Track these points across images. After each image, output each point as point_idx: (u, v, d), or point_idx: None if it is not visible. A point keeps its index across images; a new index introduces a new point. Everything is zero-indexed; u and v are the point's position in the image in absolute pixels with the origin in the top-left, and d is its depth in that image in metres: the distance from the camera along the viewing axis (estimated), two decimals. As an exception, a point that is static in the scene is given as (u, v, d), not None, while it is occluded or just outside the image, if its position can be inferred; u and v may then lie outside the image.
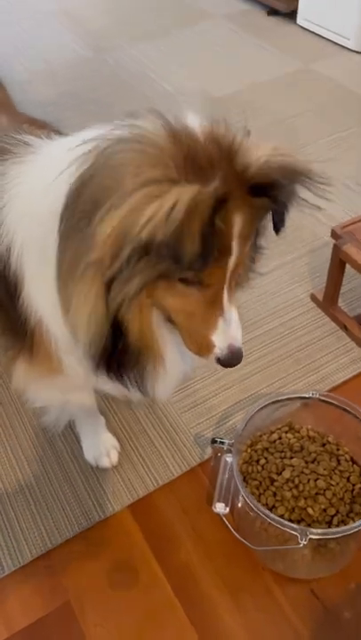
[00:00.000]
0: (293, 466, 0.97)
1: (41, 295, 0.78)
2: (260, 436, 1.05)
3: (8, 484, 1.15)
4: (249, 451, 1.03)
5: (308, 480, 0.95)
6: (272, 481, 0.97)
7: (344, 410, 1.01)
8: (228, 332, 0.72)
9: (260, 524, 0.94)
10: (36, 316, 0.82)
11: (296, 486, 0.95)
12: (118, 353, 0.74)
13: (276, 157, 0.66)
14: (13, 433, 1.23)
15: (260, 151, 0.65)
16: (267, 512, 0.88)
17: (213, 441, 1.03)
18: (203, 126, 0.66)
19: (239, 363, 0.74)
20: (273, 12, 2.75)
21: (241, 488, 0.91)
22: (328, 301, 1.41)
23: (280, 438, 1.04)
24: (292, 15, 2.68)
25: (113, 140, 0.65)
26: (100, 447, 1.17)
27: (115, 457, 1.17)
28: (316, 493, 0.95)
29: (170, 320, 0.74)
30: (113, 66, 2.45)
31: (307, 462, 0.99)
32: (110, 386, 0.94)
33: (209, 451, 1.18)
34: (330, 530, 0.89)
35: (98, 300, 0.68)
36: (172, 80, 2.33)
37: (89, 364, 0.76)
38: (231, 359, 0.73)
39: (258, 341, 1.38)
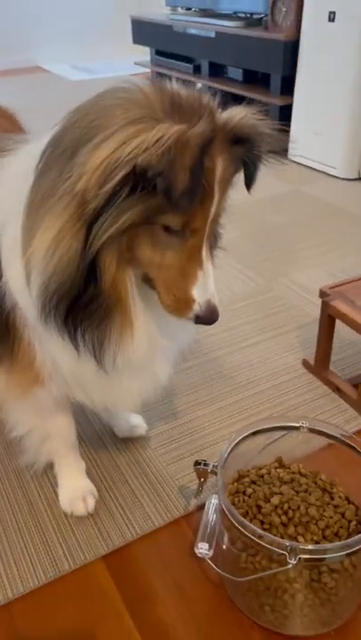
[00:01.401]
0: (283, 493, 0.90)
1: (15, 273, 0.76)
2: (248, 470, 0.98)
3: (-27, 533, 1.05)
4: (236, 484, 0.96)
5: (299, 506, 0.87)
6: (259, 508, 0.89)
7: (336, 439, 0.96)
8: (207, 287, 0.72)
9: (245, 556, 0.84)
10: (12, 302, 0.80)
11: (285, 512, 0.87)
12: (84, 303, 0.70)
13: (252, 117, 0.72)
14: (-13, 482, 1.15)
15: (237, 110, 0.72)
16: (253, 527, 0.79)
17: (197, 463, 0.96)
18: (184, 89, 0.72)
19: (216, 320, 0.74)
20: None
21: (222, 498, 0.83)
22: (320, 365, 1.40)
23: (269, 473, 0.97)
24: (284, 152, 3.02)
25: (101, 93, 0.70)
26: (77, 491, 1.09)
27: (91, 504, 1.08)
28: (308, 522, 0.86)
29: (147, 280, 0.74)
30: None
31: (297, 492, 0.91)
32: (89, 397, 0.92)
33: (194, 502, 1.10)
34: (322, 546, 0.79)
35: (70, 236, 0.66)
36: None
37: (40, 308, 0.71)
38: (210, 316, 0.72)
39: (249, 401, 1.35)
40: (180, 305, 0.73)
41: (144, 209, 0.65)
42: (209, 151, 0.65)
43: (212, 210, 0.70)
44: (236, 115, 0.71)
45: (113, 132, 0.63)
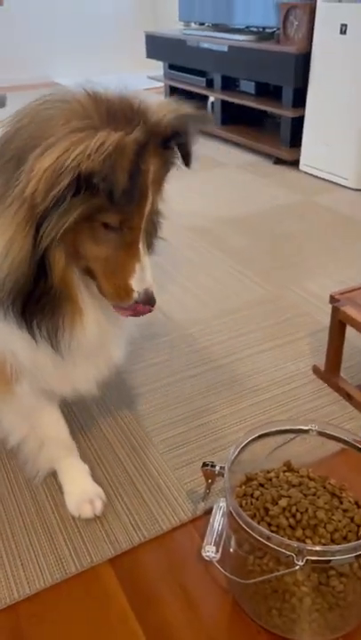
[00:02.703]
0: (291, 496, 0.89)
1: None
2: (256, 474, 0.97)
3: (-19, 534, 1.05)
4: (243, 487, 0.95)
5: (307, 509, 0.86)
6: (267, 510, 0.88)
7: (346, 442, 0.95)
8: (144, 277, 0.79)
9: (252, 559, 0.84)
10: None
11: (293, 515, 0.86)
12: (37, 296, 0.77)
13: (174, 111, 0.78)
14: (-5, 484, 1.15)
15: (161, 109, 0.78)
16: (260, 528, 0.79)
17: (204, 464, 0.95)
18: (114, 91, 0.77)
19: (153, 306, 0.81)
20: (278, 161, 3.11)
21: (230, 499, 0.83)
22: (330, 371, 1.39)
23: (277, 476, 0.96)
24: (295, 163, 3.03)
25: (40, 101, 0.75)
26: (84, 495, 1.09)
27: (99, 506, 1.08)
28: (316, 525, 0.85)
29: (87, 271, 0.81)
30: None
31: (306, 495, 0.90)
32: (51, 385, 0.97)
33: (202, 507, 1.09)
34: (330, 547, 0.78)
35: (21, 237, 0.72)
36: (186, 205, 2.58)
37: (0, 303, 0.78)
38: (148, 302, 0.80)
39: (259, 407, 1.35)
40: (120, 293, 0.81)
41: (87, 208, 0.71)
42: (144, 155, 0.72)
43: (147, 208, 0.77)
44: (164, 115, 0.77)
45: (56, 140, 0.69)
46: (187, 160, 0.83)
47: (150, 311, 0.82)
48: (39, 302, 0.78)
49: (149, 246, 0.92)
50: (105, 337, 0.93)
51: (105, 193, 0.68)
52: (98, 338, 0.90)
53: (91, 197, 0.70)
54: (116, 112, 0.73)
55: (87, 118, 0.71)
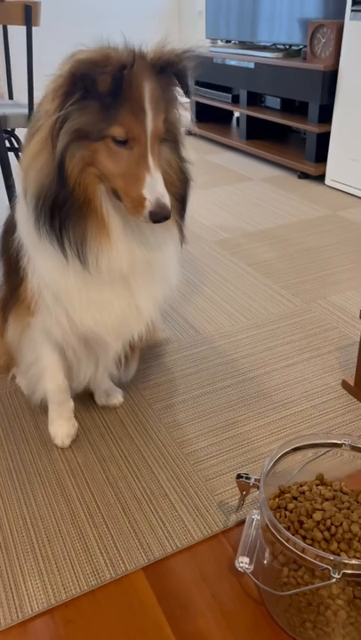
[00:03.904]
0: (325, 510, 0.90)
1: (20, 215, 1.01)
2: (289, 487, 0.99)
3: (19, 541, 1.08)
4: (277, 500, 0.96)
5: (342, 523, 0.87)
6: (301, 524, 0.89)
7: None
8: (155, 187, 0.88)
9: (287, 571, 0.85)
10: (20, 243, 1.05)
11: (328, 529, 0.87)
12: (62, 203, 0.91)
13: (169, 51, 0.91)
14: (31, 492, 1.18)
15: (159, 48, 0.91)
16: (296, 540, 0.80)
17: (239, 476, 0.97)
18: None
19: (167, 216, 0.90)
20: (303, 175, 3.13)
21: (265, 510, 0.84)
22: (360, 386, 1.40)
23: (310, 490, 0.97)
24: (320, 178, 3.05)
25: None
26: (59, 429, 1.29)
27: (67, 441, 1.28)
28: (350, 539, 0.86)
29: (115, 194, 0.92)
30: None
31: (340, 509, 0.91)
32: (72, 315, 1.08)
33: (233, 518, 1.11)
34: (366, 562, 0.79)
35: (46, 149, 0.88)
36: (213, 218, 2.62)
37: (33, 214, 0.93)
38: (161, 211, 0.89)
39: (288, 420, 1.36)
40: (135, 204, 0.90)
41: (89, 116, 0.85)
42: (133, 73, 0.85)
43: (149, 123, 0.87)
44: (158, 50, 0.90)
45: (62, 67, 0.86)
46: (184, 89, 0.94)
47: (166, 217, 0.91)
48: (63, 209, 0.91)
49: (178, 209, 1.05)
50: (133, 267, 1.03)
51: (93, 93, 0.82)
52: (126, 262, 1.01)
53: (90, 105, 0.84)
54: (119, 49, 0.88)
55: (92, 51, 0.86)
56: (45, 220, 0.93)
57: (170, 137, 0.98)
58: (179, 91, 0.95)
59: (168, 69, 0.90)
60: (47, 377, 1.26)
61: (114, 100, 0.84)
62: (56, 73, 0.86)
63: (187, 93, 0.95)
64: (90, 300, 1.06)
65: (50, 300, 1.08)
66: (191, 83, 0.94)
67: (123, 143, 0.87)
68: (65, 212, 0.92)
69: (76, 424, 1.32)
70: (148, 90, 0.87)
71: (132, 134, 0.87)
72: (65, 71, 0.84)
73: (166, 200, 0.90)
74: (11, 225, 1.11)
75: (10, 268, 1.15)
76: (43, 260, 1.02)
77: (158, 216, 0.89)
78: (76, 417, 1.34)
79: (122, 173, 0.89)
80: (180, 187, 1.03)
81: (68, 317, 1.08)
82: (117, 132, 0.86)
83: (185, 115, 0.99)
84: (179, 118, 0.98)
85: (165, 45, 0.91)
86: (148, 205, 0.89)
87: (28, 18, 2.05)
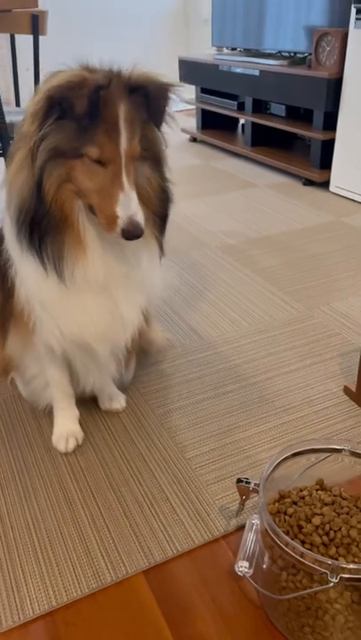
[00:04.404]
0: (324, 514, 0.90)
1: (6, 226, 1.04)
2: (289, 491, 0.99)
3: (21, 542, 1.09)
4: (277, 504, 0.97)
5: (340, 528, 0.88)
6: (300, 528, 0.90)
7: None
8: (128, 206, 0.91)
9: (286, 575, 0.85)
10: (8, 255, 1.08)
11: (326, 533, 0.88)
12: (40, 219, 0.94)
13: (145, 73, 0.93)
14: (34, 495, 1.19)
15: (136, 71, 0.93)
16: (295, 544, 0.81)
17: (239, 480, 0.98)
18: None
19: (139, 234, 0.92)
20: (308, 182, 3.15)
21: (264, 515, 0.85)
22: (361, 392, 1.40)
23: (310, 495, 0.98)
24: (325, 184, 3.06)
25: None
26: (63, 433, 1.31)
27: (72, 445, 1.29)
28: (349, 544, 0.86)
29: (91, 209, 0.95)
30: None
31: (339, 514, 0.92)
32: (58, 323, 1.11)
33: (234, 523, 1.11)
34: (364, 566, 0.79)
35: (26, 167, 0.93)
36: (217, 225, 2.63)
37: (15, 227, 0.98)
38: (133, 229, 0.91)
39: (290, 426, 1.36)
40: (108, 221, 0.93)
41: (65, 135, 0.89)
42: (109, 94, 0.88)
43: (123, 143, 0.90)
44: (135, 73, 0.93)
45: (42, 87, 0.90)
46: (155, 117, 0.96)
47: (138, 236, 0.93)
48: (41, 224, 0.95)
49: (158, 226, 1.07)
50: (110, 280, 1.06)
51: (70, 114, 0.86)
52: (102, 275, 1.04)
53: (66, 126, 0.88)
54: (96, 70, 0.92)
55: (70, 74, 0.90)
56: (25, 234, 0.97)
57: (150, 155, 0.99)
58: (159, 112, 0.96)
59: (141, 90, 0.92)
60: (53, 386, 1.31)
61: (90, 120, 0.87)
62: (35, 96, 0.91)
63: (157, 123, 0.97)
64: (71, 307, 1.09)
65: (38, 309, 1.12)
66: (164, 110, 0.96)
67: (98, 161, 0.90)
68: (43, 227, 0.96)
69: (82, 432, 1.33)
70: (122, 110, 0.89)
71: (106, 154, 0.90)
72: (43, 95, 0.87)
73: (139, 218, 0.92)
74: (2, 236, 1.14)
75: (2, 279, 1.18)
76: (27, 271, 1.06)
77: (130, 234, 0.92)
78: (79, 421, 1.35)
79: (97, 190, 0.92)
80: (159, 205, 1.04)
81: (56, 325, 1.11)
82: (92, 151, 0.89)
83: (165, 133, 1.01)
84: (158, 137, 1.00)
85: (138, 71, 0.93)
86: (121, 223, 0.91)
87: (35, 27, 2.08)
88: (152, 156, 1.00)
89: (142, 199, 0.98)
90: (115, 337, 1.16)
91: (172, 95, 0.95)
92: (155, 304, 1.21)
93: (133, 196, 0.92)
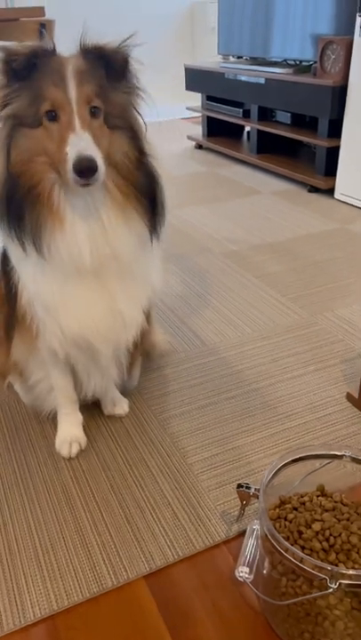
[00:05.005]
0: (324, 520, 0.91)
1: (12, 252, 1.08)
2: (290, 497, 0.99)
3: (23, 546, 1.10)
4: (277, 510, 0.97)
5: (340, 534, 0.88)
6: (300, 534, 0.90)
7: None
8: (77, 144, 0.90)
9: (286, 581, 0.85)
10: (17, 276, 1.11)
11: (327, 539, 0.88)
12: (12, 192, 0.96)
13: (96, 42, 0.97)
14: (36, 498, 1.20)
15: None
16: (294, 550, 0.81)
17: (239, 485, 0.98)
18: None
19: (91, 167, 0.90)
20: (313, 189, 3.15)
21: (264, 520, 0.85)
22: (364, 399, 1.40)
23: (311, 500, 0.98)
24: (330, 192, 3.07)
25: None
26: (67, 438, 1.31)
27: (75, 450, 1.30)
28: (349, 550, 0.86)
29: (58, 172, 0.94)
30: (174, 219, 2.80)
31: (339, 520, 0.92)
32: (58, 320, 1.12)
33: (235, 528, 1.11)
34: (363, 572, 0.80)
35: (2, 143, 0.95)
36: (222, 231, 2.64)
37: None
38: (83, 161, 0.89)
39: (292, 432, 1.36)
40: (62, 165, 0.92)
41: (22, 101, 0.93)
42: (57, 56, 0.95)
43: (71, 89, 0.92)
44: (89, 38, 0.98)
45: None
46: (113, 72, 0.98)
47: (91, 169, 0.91)
48: (15, 198, 0.96)
49: (145, 206, 1.04)
50: (98, 259, 1.03)
51: (20, 76, 0.92)
52: (87, 250, 1.01)
53: (23, 91, 0.93)
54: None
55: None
56: (3, 213, 0.98)
57: (123, 124, 0.99)
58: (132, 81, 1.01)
59: (95, 51, 0.96)
60: (56, 391, 1.31)
61: (35, 77, 0.92)
62: None
63: (116, 76, 0.98)
64: (70, 304, 1.09)
65: (39, 311, 1.12)
66: (123, 66, 0.99)
67: (54, 119, 0.92)
68: (17, 201, 0.97)
69: (85, 438, 1.34)
70: (70, 64, 0.94)
71: (56, 103, 0.92)
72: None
73: (90, 152, 0.90)
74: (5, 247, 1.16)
75: (8, 288, 1.19)
76: (25, 273, 1.08)
77: (80, 166, 0.89)
78: (82, 426, 1.36)
79: (54, 142, 0.93)
80: (141, 179, 1.02)
81: (58, 326, 1.12)
82: (45, 105, 0.92)
83: (139, 105, 1.02)
84: (128, 102, 1.00)
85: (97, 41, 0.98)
86: (70, 159, 0.90)
87: (43, 36, 2.11)
88: (125, 124, 0.99)
89: (120, 172, 0.99)
90: (116, 335, 1.15)
91: (129, 56, 0.98)
92: (155, 304, 1.20)
93: (86, 136, 0.91)
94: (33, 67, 0.92)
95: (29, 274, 1.07)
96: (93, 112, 0.94)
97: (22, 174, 0.96)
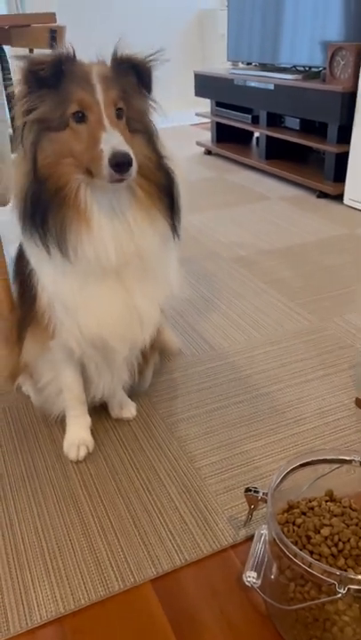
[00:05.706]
0: (333, 525, 0.90)
1: (32, 255, 1.08)
2: (298, 502, 0.99)
3: (30, 549, 1.09)
4: (285, 515, 0.97)
5: (349, 539, 0.87)
6: (309, 539, 0.89)
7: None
8: (110, 140, 0.92)
9: (294, 586, 0.85)
10: (35, 275, 1.11)
11: (335, 544, 0.87)
12: (38, 197, 0.97)
13: (128, 52, 1.00)
14: (44, 501, 1.20)
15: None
16: (303, 555, 0.80)
17: (247, 489, 0.97)
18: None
19: (127, 162, 0.92)
20: (322, 195, 3.15)
21: (272, 525, 0.85)
22: (373, 404, 1.39)
23: (319, 505, 0.97)
24: (339, 197, 3.07)
25: None
26: (75, 441, 1.31)
27: (82, 453, 1.30)
28: (358, 555, 0.86)
29: (89, 173, 0.96)
30: (183, 223, 2.81)
31: (348, 525, 0.91)
32: (77, 319, 1.12)
33: (243, 533, 1.11)
34: (372, 578, 0.79)
35: (22, 159, 0.98)
36: (230, 236, 2.64)
37: (21, 216, 1.00)
38: (119, 156, 0.91)
39: (300, 437, 1.36)
40: (96, 162, 0.93)
41: (48, 105, 0.95)
42: (81, 63, 0.97)
43: (99, 93, 0.94)
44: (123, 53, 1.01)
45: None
46: (142, 83, 1.02)
47: (127, 163, 0.92)
48: (41, 202, 0.97)
49: (166, 204, 1.07)
50: (122, 258, 1.04)
51: (47, 83, 0.93)
52: (113, 250, 1.02)
53: (48, 96, 0.94)
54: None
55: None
56: (28, 218, 0.99)
57: (141, 127, 1.02)
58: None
59: (120, 62, 0.99)
60: (66, 392, 1.31)
61: (63, 83, 0.94)
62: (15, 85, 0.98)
63: (146, 87, 1.03)
64: (89, 303, 1.09)
65: (59, 311, 1.12)
66: (148, 78, 1.02)
67: (82, 120, 0.94)
68: (42, 205, 0.98)
69: (93, 441, 1.34)
70: (95, 70, 0.96)
71: (84, 104, 0.94)
72: (18, 75, 0.95)
73: (124, 148, 0.92)
74: (22, 248, 1.16)
75: (23, 290, 1.20)
76: (45, 275, 1.08)
77: (117, 159, 0.91)
78: (90, 429, 1.36)
79: (85, 143, 0.95)
80: (162, 177, 1.05)
81: (77, 325, 1.12)
82: (72, 107, 0.94)
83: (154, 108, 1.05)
84: (147, 108, 1.04)
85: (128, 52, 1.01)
86: (106, 154, 0.91)
87: (54, 42, 2.13)
88: (143, 128, 1.03)
89: (143, 173, 1.01)
90: (133, 334, 1.16)
91: (154, 65, 1.02)
92: (170, 304, 1.20)
93: (117, 134, 0.93)
94: (60, 73, 0.94)
95: (50, 275, 1.08)
96: (118, 114, 0.97)
97: (49, 177, 0.97)
